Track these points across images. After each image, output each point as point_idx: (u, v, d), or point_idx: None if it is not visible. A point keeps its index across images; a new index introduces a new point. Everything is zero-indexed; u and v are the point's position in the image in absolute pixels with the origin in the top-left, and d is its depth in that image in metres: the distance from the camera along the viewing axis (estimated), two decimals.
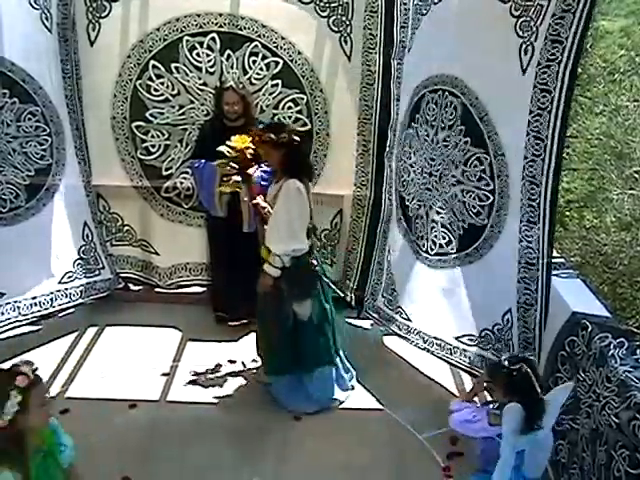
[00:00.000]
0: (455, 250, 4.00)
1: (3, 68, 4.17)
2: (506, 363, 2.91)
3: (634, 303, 5.61)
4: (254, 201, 3.95)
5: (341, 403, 4.03)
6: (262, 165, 4.48)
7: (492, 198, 3.71)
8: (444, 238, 4.05)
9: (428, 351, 4.23)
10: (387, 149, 4.53)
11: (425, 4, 3.94)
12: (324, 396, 3.98)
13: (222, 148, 3.98)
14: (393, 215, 4.51)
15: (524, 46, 3.33)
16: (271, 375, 4.00)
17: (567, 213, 6.81)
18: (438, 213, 4.06)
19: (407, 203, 4.31)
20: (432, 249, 4.12)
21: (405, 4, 4.18)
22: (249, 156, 3.95)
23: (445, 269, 4.07)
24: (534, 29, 3.27)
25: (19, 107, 4.31)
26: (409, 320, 4.38)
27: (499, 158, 3.61)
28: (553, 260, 3.64)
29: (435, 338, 4.19)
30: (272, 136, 3.68)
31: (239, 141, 3.93)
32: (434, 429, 3.75)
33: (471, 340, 3.98)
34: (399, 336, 4.47)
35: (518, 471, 2.91)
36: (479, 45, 3.56)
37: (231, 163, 4.01)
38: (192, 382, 4.17)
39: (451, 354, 4.10)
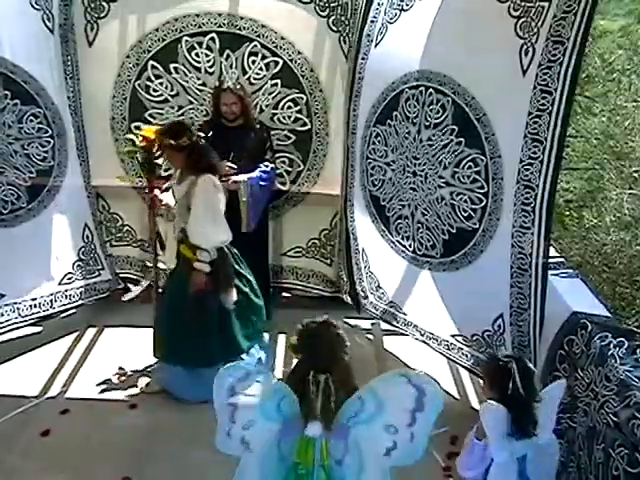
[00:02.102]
0: (439, 255, 3.98)
1: (4, 69, 4.18)
2: (498, 356, 2.83)
3: (634, 302, 5.62)
4: (152, 193, 4.02)
5: None
6: (260, 165, 4.51)
7: (485, 201, 3.65)
8: (429, 241, 4.03)
9: (426, 344, 4.22)
10: (349, 149, 4.52)
11: None
12: None
13: (131, 136, 4.01)
14: (365, 215, 4.49)
15: (525, 47, 3.30)
16: (201, 368, 3.90)
17: (567, 213, 6.82)
18: (423, 215, 4.04)
19: (384, 203, 4.30)
20: (419, 249, 4.11)
21: None
22: (156, 148, 3.91)
23: (432, 271, 4.05)
24: (535, 30, 3.24)
25: (21, 109, 4.32)
26: (404, 314, 4.38)
27: (495, 160, 3.56)
28: (552, 260, 3.62)
29: (432, 333, 4.17)
30: (172, 142, 3.71)
31: (149, 132, 3.90)
32: (434, 429, 3.74)
33: (465, 341, 3.97)
34: (396, 328, 4.45)
35: (522, 477, 2.75)
36: (474, 44, 3.53)
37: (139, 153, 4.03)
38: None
39: (449, 350, 4.08)
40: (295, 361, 2.56)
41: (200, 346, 3.87)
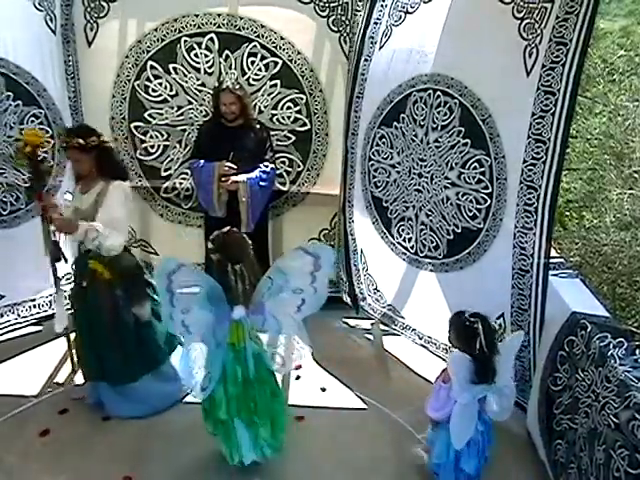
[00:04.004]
0: (442, 256, 3.99)
1: (7, 70, 4.18)
2: (466, 315, 3.07)
3: (633, 303, 5.62)
4: (42, 202, 3.71)
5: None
6: (260, 165, 4.51)
7: (489, 201, 3.68)
8: (432, 242, 4.04)
9: (424, 347, 4.24)
10: (348, 150, 4.51)
11: (413, 1, 3.92)
12: (177, 386, 3.90)
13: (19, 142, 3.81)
14: (365, 216, 4.49)
15: (528, 49, 3.32)
16: (125, 385, 3.80)
17: (567, 213, 6.82)
18: (427, 216, 4.05)
19: (386, 204, 4.30)
20: (421, 251, 4.12)
21: (383, 0, 4.15)
22: (39, 154, 3.75)
23: (434, 272, 4.06)
24: (538, 31, 3.25)
25: (23, 109, 4.32)
26: (403, 317, 4.38)
27: (500, 160, 3.58)
28: (552, 260, 3.62)
29: (430, 337, 4.19)
30: (81, 141, 3.50)
31: (32, 136, 3.67)
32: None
33: None
34: (396, 331, 4.47)
35: (479, 417, 3.09)
36: (480, 46, 3.54)
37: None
38: None
39: (447, 353, 4.09)
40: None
41: (120, 363, 3.74)
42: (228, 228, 3.20)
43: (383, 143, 4.24)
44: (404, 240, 4.23)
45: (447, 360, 3.09)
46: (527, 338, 3.61)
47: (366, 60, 4.28)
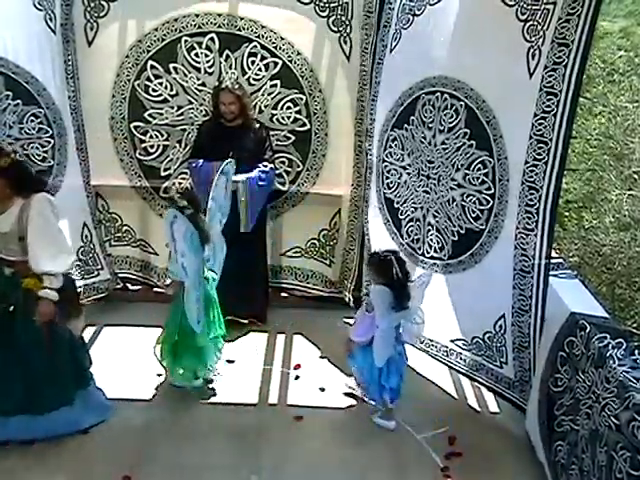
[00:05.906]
0: (447, 257, 4.00)
1: (7, 70, 4.18)
2: (379, 253, 3.71)
3: (633, 303, 5.62)
4: None
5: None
6: (259, 165, 4.51)
7: (492, 202, 3.68)
8: (438, 243, 4.05)
9: (425, 352, 4.23)
10: (365, 151, 4.53)
11: (419, 4, 3.93)
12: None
13: None
14: (378, 217, 4.50)
15: (532, 50, 3.32)
16: (59, 409, 3.59)
17: (566, 213, 6.82)
18: (434, 217, 4.06)
19: (397, 205, 4.31)
20: (428, 252, 4.13)
21: (390, 3, 4.17)
22: None
23: (438, 274, 4.07)
24: (541, 33, 3.26)
25: (22, 109, 4.32)
26: None
27: (502, 162, 3.59)
28: (551, 260, 3.63)
29: (431, 340, 4.19)
30: None
31: None
32: (432, 429, 3.75)
33: (465, 344, 3.99)
34: None
35: (397, 339, 3.73)
36: (485, 49, 3.55)
37: None
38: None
39: (447, 356, 4.10)
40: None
41: (57, 387, 3.56)
42: (186, 188, 4.18)
43: (395, 145, 4.25)
44: (412, 241, 4.23)
45: (371, 294, 3.70)
46: (527, 339, 3.62)
47: (378, 63, 4.30)
